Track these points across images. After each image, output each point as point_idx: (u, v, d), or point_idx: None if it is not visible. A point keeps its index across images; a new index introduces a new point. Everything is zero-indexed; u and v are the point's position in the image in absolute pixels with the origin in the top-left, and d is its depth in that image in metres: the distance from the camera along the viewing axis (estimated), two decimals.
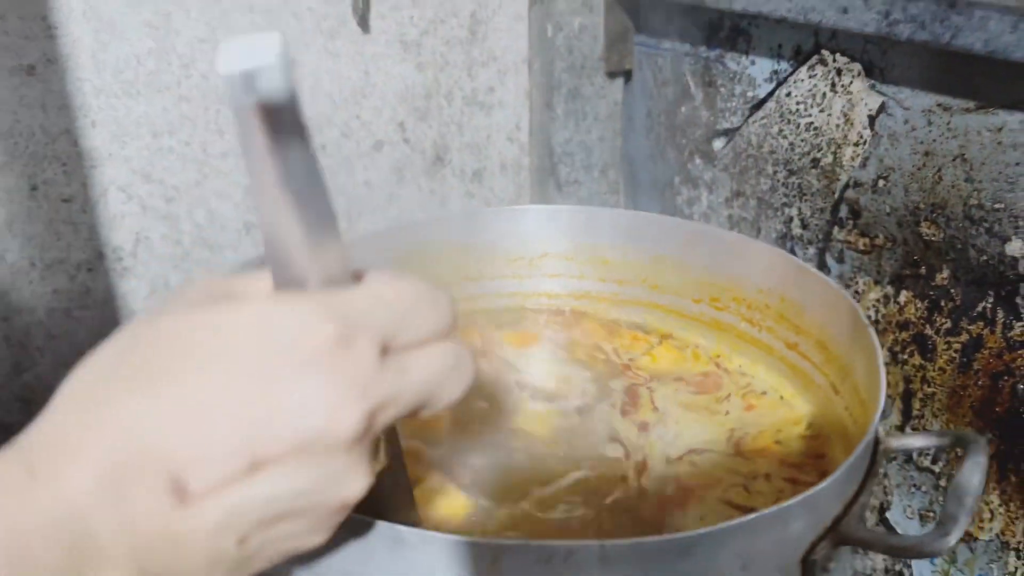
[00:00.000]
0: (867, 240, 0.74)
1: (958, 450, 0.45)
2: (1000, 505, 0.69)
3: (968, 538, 0.71)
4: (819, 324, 0.58)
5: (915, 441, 0.45)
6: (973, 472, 0.39)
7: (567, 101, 0.94)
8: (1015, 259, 0.63)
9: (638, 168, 1.00)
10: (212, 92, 0.81)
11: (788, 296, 0.61)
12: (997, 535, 0.70)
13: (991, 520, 0.70)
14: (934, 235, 0.69)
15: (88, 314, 0.83)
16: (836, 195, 0.76)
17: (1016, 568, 0.68)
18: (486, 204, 1.00)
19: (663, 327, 0.69)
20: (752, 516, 0.36)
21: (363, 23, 0.85)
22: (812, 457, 0.52)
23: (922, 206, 0.69)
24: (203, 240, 0.86)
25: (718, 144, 0.88)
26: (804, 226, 0.80)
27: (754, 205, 0.85)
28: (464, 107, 0.95)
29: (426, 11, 0.88)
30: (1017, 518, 0.68)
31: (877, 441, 0.46)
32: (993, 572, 0.70)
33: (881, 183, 0.72)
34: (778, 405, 0.59)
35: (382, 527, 0.36)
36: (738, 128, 0.84)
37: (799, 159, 0.79)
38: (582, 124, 0.96)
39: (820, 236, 0.79)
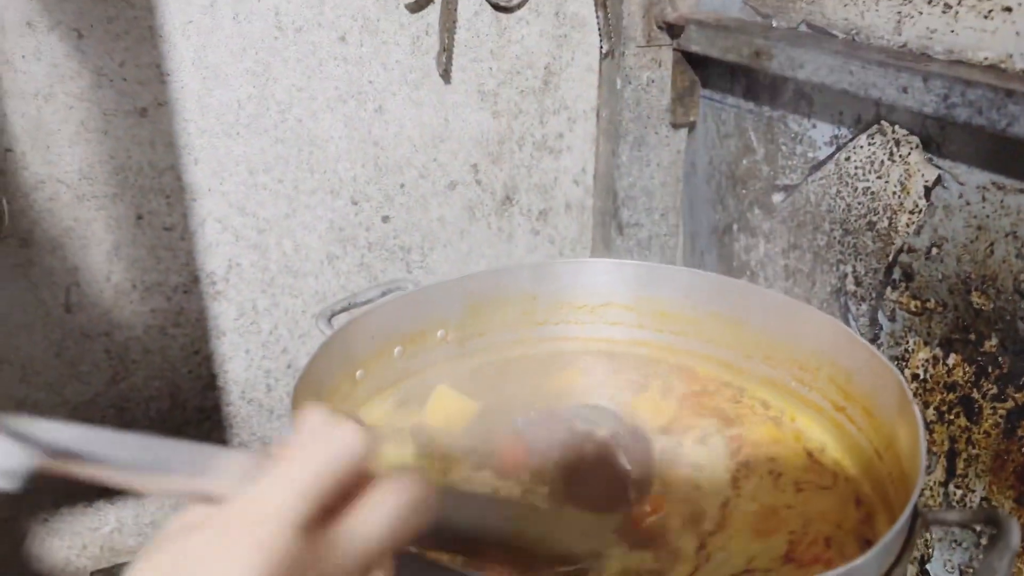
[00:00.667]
0: (919, 303, 0.78)
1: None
2: None
3: None
4: (866, 392, 0.62)
5: (952, 516, 0.49)
6: (1003, 555, 0.43)
7: (632, 148, 0.99)
8: None
9: (698, 213, 1.04)
10: (306, 135, 0.88)
11: (838, 362, 0.65)
12: None
13: None
14: (984, 304, 0.71)
15: (181, 332, 0.91)
16: (890, 258, 0.79)
17: None
18: (550, 242, 1.05)
19: (719, 378, 0.73)
20: None
21: (445, 75, 0.91)
22: (863, 541, 0.55)
23: (973, 276, 0.72)
24: (288, 268, 0.93)
25: (777, 198, 0.91)
26: (858, 283, 0.84)
27: (810, 259, 0.89)
28: (534, 151, 1.00)
29: (504, 63, 0.94)
30: None
31: (916, 514, 0.49)
32: None
33: (934, 251, 0.75)
34: (833, 484, 0.61)
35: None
36: (797, 185, 0.88)
37: (855, 220, 0.82)
38: (645, 170, 1.01)
39: (873, 294, 0.82)
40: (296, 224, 0.91)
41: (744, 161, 0.95)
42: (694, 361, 0.74)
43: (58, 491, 0.90)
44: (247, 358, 0.95)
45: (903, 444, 0.55)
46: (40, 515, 0.91)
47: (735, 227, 0.99)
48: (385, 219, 0.95)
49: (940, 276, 0.75)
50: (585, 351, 0.77)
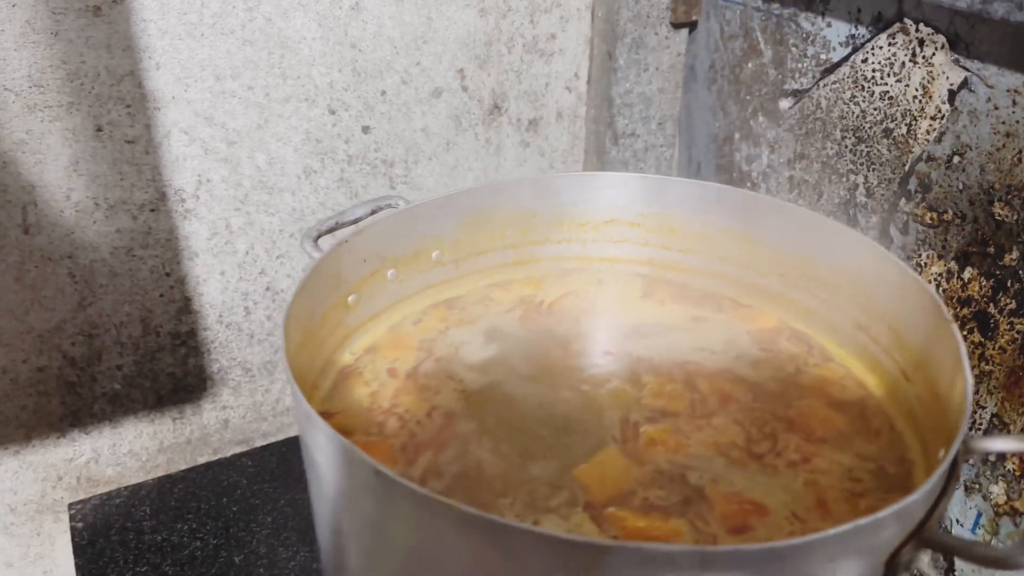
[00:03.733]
0: (935, 215, 0.74)
1: None
2: None
3: (1014, 513, 0.73)
4: (892, 310, 0.59)
5: (997, 444, 0.46)
6: None
7: (630, 51, 0.93)
8: None
9: (696, 121, 0.99)
10: (276, 36, 0.80)
11: (862, 280, 0.61)
12: None
13: None
14: (1007, 216, 0.68)
15: (150, 253, 0.85)
16: (907, 167, 0.75)
17: None
18: (540, 154, 0.99)
19: (730, 295, 0.69)
20: (848, 526, 0.37)
21: None
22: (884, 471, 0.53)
23: (997, 186, 0.68)
24: (263, 184, 0.86)
25: (784, 104, 0.86)
26: (869, 194, 0.80)
27: (817, 169, 0.84)
28: (524, 55, 0.93)
29: None
30: None
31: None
32: None
33: (956, 159, 0.71)
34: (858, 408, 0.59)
35: (487, 521, 0.37)
36: (807, 90, 0.83)
37: (870, 127, 0.77)
38: (643, 75, 0.95)
39: (885, 206, 0.78)
40: (269, 135, 0.85)
41: (749, 64, 0.89)
42: (703, 280, 0.71)
43: (28, 422, 0.85)
44: (223, 280, 0.89)
45: (937, 367, 0.52)
46: (11, 448, 0.86)
47: (736, 136, 0.94)
48: (365, 130, 0.89)
49: (961, 186, 0.71)
50: (589, 270, 0.73)
